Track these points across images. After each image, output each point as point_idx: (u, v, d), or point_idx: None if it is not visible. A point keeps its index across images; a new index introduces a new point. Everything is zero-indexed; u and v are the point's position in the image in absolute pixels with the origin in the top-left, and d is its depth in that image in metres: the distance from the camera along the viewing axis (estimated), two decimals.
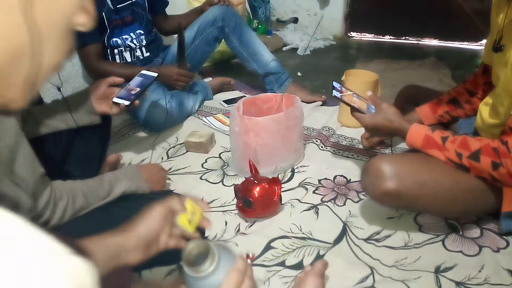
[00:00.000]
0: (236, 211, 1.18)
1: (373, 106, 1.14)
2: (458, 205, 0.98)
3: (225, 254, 0.53)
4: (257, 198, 1.09)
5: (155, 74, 1.25)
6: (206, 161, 1.46)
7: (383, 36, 3.16)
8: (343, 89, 1.21)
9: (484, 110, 1.07)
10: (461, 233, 1.07)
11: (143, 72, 1.26)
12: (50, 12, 0.29)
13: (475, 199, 0.97)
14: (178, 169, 1.41)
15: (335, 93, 1.17)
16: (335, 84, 1.21)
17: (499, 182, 0.90)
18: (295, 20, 3.27)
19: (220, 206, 1.23)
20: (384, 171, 0.94)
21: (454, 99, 1.25)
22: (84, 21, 0.33)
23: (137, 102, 1.16)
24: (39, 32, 0.29)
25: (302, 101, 1.46)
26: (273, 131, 1.29)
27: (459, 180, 0.94)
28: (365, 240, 1.06)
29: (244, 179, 1.23)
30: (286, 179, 1.34)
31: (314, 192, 1.26)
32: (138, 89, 1.17)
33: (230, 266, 0.51)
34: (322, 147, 1.51)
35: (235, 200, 1.19)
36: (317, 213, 1.17)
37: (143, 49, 1.75)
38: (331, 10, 3.11)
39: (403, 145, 1.43)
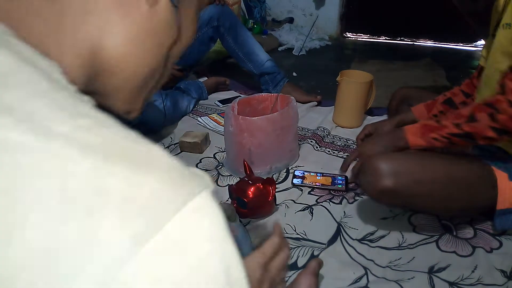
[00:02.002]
0: None
1: (340, 177, 1.27)
2: (454, 202, 0.98)
3: (242, 228, 0.61)
4: (251, 199, 1.09)
5: None
6: (200, 161, 1.46)
7: (378, 37, 3.17)
8: (305, 174, 1.32)
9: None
10: (454, 233, 1.08)
11: None
12: (178, 49, 0.39)
13: (471, 197, 0.97)
14: None
15: (295, 181, 1.28)
16: (297, 172, 1.32)
17: (507, 134, 0.88)
18: (291, 20, 3.27)
19: None
20: (381, 169, 0.95)
21: (450, 100, 1.26)
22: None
23: None
24: (169, 61, 0.39)
25: (297, 101, 1.45)
26: (268, 131, 1.29)
27: (455, 177, 0.95)
28: (359, 240, 1.06)
29: (238, 179, 1.22)
30: (281, 179, 1.34)
31: (309, 193, 1.26)
32: None
33: (245, 238, 0.58)
34: (317, 147, 1.51)
35: (230, 200, 1.18)
36: (312, 213, 1.17)
37: None
38: (326, 10, 3.12)
39: None
